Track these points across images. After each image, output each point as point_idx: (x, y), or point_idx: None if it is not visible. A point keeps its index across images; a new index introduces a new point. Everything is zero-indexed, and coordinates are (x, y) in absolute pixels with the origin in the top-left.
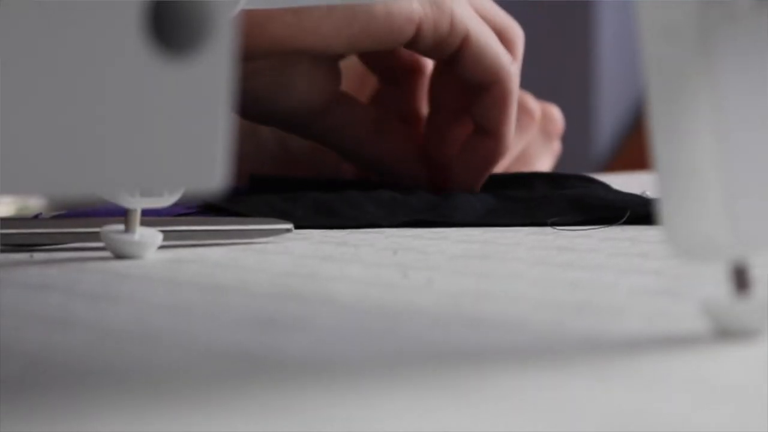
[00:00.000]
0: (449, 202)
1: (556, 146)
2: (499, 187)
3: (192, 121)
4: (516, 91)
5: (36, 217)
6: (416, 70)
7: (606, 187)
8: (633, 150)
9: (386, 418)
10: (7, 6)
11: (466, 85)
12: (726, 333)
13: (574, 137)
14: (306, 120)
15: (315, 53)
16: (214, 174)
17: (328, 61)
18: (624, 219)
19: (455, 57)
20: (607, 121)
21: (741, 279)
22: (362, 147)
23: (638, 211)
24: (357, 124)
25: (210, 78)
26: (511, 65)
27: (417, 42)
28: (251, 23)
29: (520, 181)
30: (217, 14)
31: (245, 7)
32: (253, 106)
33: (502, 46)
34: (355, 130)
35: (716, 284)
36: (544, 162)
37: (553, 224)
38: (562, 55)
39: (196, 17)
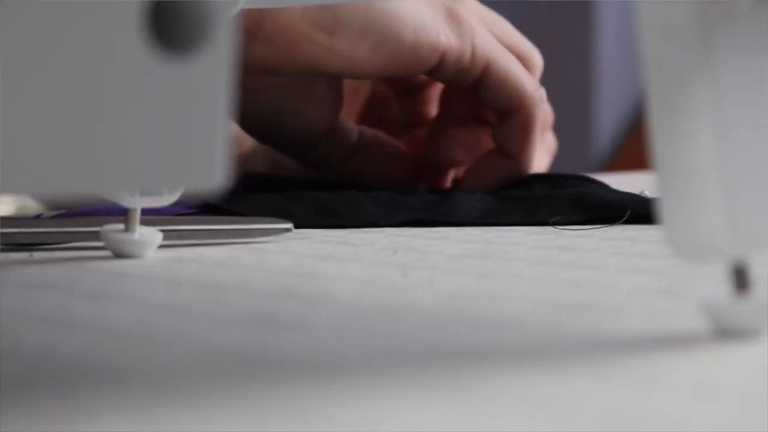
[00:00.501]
0: (449, 202)
1: (549, 139)
2: (498, 188)
3: (192, 120)
4: (540, 117)
5: (37, 217)
6: (429, 83)
7: (605, 187)
8: (633, 150)
9: (386, 417)
10: (6, 6)
11: (490, 108)
12: (726, 333)
13: (574, 137)
14: (306, 143)
15: (342, 76)
16: (214, 173)
17: (339, 85)
18: (624, 219)
19: (477, 84)
20: (607, 121)
21: (741, 279)
22: (343, 169)
23: (638, 211)
24: (342, 150)
25: (210, 77)
26: (534, 91)
27: (439, 71)
28: (283, 39)
29: (520, 182)
30: (216, 14)
31: (245, 6)
32: (265, 122)
33: (526, 72)
34: (340, 155)
35: (716, 284)
36: (541, 157)
37: (553, 223)
38: (562, 55)
39: (196, 17)
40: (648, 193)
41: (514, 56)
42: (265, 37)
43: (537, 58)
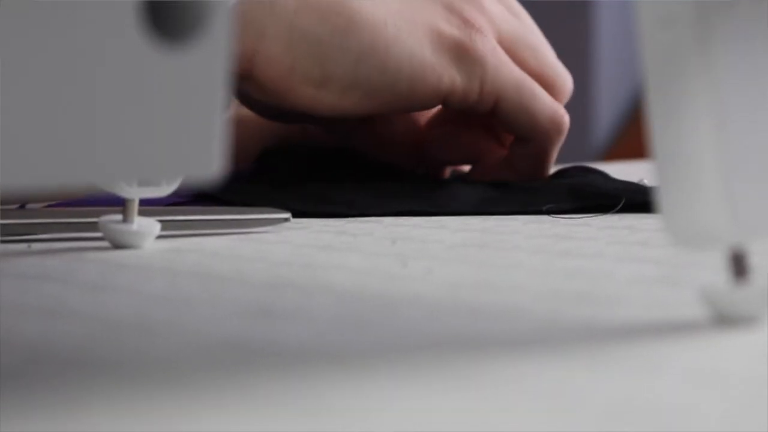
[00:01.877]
0: (445, 191)
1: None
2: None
3: (189, 109)
4: (557, 144)
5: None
6: None
7: (604, 176)
8: (631, 139)
9: (386, 407)
10: None
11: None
12: (725, 320)
13: (573, 126)
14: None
15: (334, 119)
16: (212, 163)
17: None
18: (619, 207)
19: (490, 114)
20: (606, 110)
21: (739, 266)
22: (350, 134)
23: (636, 199)
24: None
25: (207, 66)
26: (551, 121)
27: (445, 106)
28: (273, 90)
29: None
30: (214, 2)
31: None
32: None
33: (544, 101)
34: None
35: (715, 272)
36: None
37: (549, 211)
38: (561, 45)
39: (194, 5)
40: (647, 181)
41: (534, 82)
42: (257, 82)
43: (565, 83)
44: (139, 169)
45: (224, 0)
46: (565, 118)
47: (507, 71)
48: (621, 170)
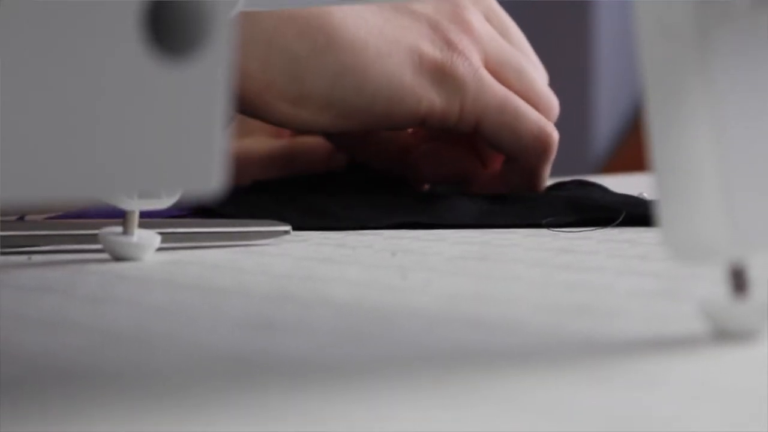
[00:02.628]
0: (444, 203)
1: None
2: None
3: (190, 122)
4: (547, 160)
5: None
6: None
7: (603, 190)
8: (631, 151)
9: (385, 420)
10: (5, 8)
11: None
12: (724, 334)
13: (572, 138)
14: None
15: (311, 134)
16: (212, 176)
17: None
18: (619, 220)
19: (473, 133)
20: (605, 122)
21: (739, 280)
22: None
23: (635, 213)
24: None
25: (208, 79)
26: (537, 139)
27: (423, 126)
28: (250, 103)
29: None
30: (215, 15)
31: (244, 8)
32: None
33: (529, 119)
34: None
35: (714, 285)
36: None
37: (547, 225)
38: (560, 55)
39: (195, 18)
40: (646, 195)
41: (519, 101)
42: (234, 96)
43: (549, 108)
44: (140, 181)
45: (225, 13)
46: (553, 135)
47: (490, 92)
48: (620, 183)
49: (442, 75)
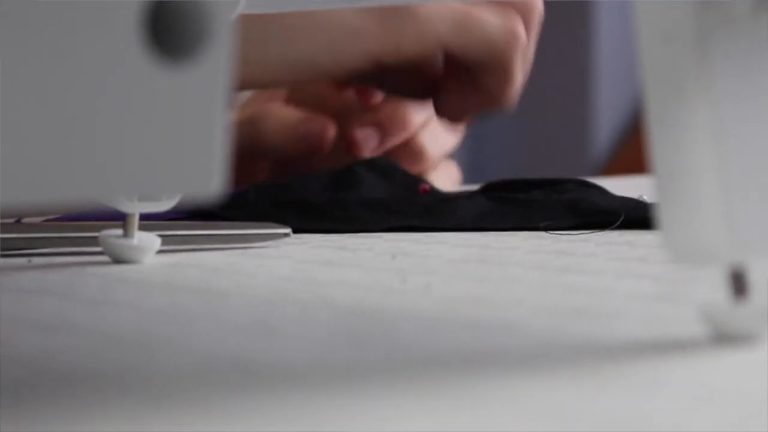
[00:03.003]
0: (443, 206)
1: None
2: (493, 191)
3: (190, 125)
4: (517, 57)
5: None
6: None
7: (603, 192)
8: (631, 153)
9: (385, 423)
10: (5, 9)
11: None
12: (724, 338)
13: (572, 140)
14: None
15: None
16: (212, 179)
17: None
18: (617, 224)
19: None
20: (605, 125)
21: (739, 283)
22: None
23: (634, 216)
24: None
25: (209, 82)
26: (507, 38)
27: (385, 69)
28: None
29: (516, 186)
30: (215, 18)
31: (245, 11)
32: None
33: (489, 20)
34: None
35: (714, 289)
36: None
37: (546, 228)
38: (561, 57)
39: (195, 21)
40: (646, 197)
41: (472, 8)
42: None
43: (530, 7)
44: (140, 184)
45: (226, 16)
46: (518, 29)
47: (441, 13)
48: (620, 185)
49: (391, 12)
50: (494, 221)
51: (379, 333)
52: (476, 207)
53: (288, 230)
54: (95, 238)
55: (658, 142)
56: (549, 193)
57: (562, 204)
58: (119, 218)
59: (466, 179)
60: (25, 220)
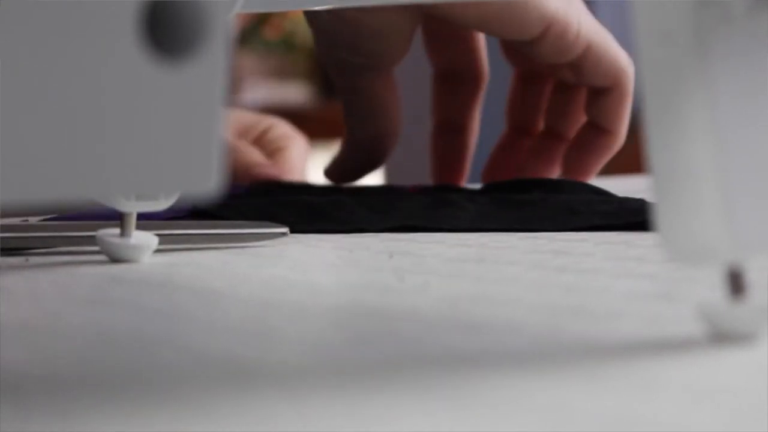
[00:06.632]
0: (442, 206)
1: None
2: (494, 191)
3: (188, 124)
4: (631, 91)
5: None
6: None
7: (601, 192)
8: (629, 153)
9: (383, 422)
10: (4, 9)
11: (585, 84)
12: (721, 337)
13: None
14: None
15: (444, 19)
16: (210, 177)
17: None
18: (618, 224)
19: (577, 64)
20: None
21: (736, 283)
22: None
23: (633, 220)
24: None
25: (206, 81)
26: (630, 67)
27: (541, 42)
28: None
29: (517, 187)
30: (213, 17)
31: (241, 11)
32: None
33: (621, 50)
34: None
35: (712, 288)
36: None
37: (544, 230)
38: None
39: (192, 21)
40: (645, 198)
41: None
42: None
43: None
44: (138, 183)
45: (223, 15)
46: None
47: (596, 24)
48: (618, 185)
49: None
50: (491, 222)
51: (376, 332)
52: (476, 207)
53: (285, 230)
54: (92, 237)
55: (656, 141)
56: (548, 193)
57: (560, 206)
58: (116, 218)
59: (467, 179)
60: (32, 219)
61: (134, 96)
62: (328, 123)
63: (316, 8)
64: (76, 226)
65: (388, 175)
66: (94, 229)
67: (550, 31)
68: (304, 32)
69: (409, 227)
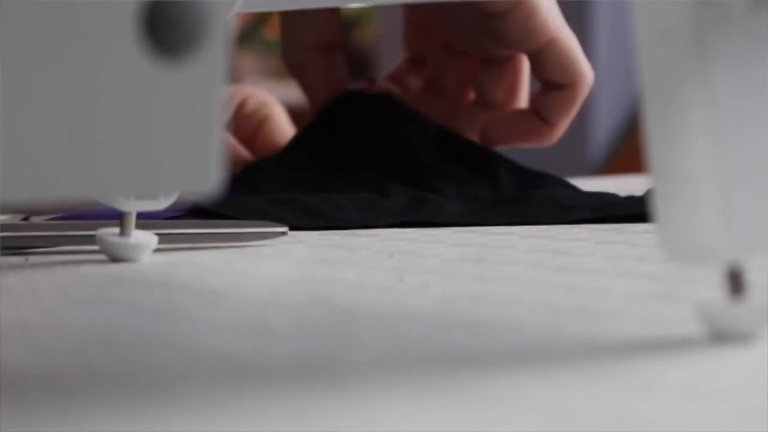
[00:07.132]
0: (430, 204)
1: None
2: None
3: (187, 124)
4: (585, 93)
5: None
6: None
7: (568, 185)
8: (628, 153)
9: (382, 421)
10: (4, 9)
11: (542, 79)
12: (721, 336)
13: (570, 140)
14: None
15: None
16: (209, 177)
17: None
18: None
19: (539, 56)
20: (603, 125)
21: (736, 282)
22: None
23: (628, 211)
24: None
25: (205, 80)
26: (589, 74)
27: (508, 17)
28: None
29: (487, 168)
30: (212, 17)
31: (240, 10)
32: None
33: (584, 56)
34: None
35: (711, 287)
36: None
37: (538, 224)
38: None
39: (191, 20)
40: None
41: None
42: None
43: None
44: (137, 183)
45: (223, 15)
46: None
47: (562, 21)
48: (617, 185)
49: None
50: (485, 218)
51: (375, 332)
52: (468, 205)
53: (285, 229)
54: (92, 236)
55: (656, 141)
56: (524, 187)
57: (554, 201)
58: (116, 217)
59: None
60: (33, 218)
61: (134, 95)
62: None
63: (316, 8)
64: (76, 225)
65: None
66: (94, 228)
67: (518, 9)
68: None
69: (408, 223)
